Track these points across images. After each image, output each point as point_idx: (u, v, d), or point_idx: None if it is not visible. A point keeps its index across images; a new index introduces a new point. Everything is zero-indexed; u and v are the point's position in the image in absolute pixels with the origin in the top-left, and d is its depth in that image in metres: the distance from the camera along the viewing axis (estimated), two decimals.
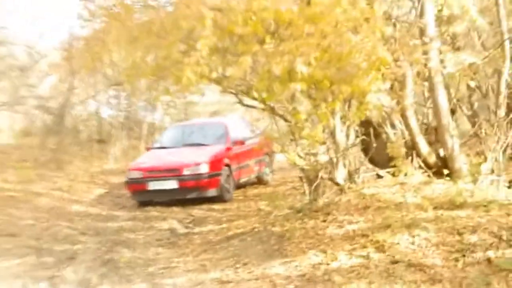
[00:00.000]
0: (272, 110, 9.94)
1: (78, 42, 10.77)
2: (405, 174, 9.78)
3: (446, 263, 7.11)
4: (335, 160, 9.59)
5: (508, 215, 7.71)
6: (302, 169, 9.62)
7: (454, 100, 10.68)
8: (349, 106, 9.38)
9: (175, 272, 8.66)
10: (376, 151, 10.28)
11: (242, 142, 14.71)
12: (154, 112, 25.21)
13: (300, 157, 9.46)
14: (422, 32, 9.59)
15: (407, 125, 10.02)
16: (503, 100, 10.27)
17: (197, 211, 12.47)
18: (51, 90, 21.34)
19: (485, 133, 10.33)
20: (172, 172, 13.39)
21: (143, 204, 13.72)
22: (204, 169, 13.19)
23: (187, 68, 7.70)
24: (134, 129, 24.71)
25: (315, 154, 9.47)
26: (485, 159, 9.94)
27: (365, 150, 10.49)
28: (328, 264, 7.70)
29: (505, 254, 6.99)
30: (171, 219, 12.03)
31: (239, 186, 14.15)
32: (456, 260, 7.11)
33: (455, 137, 9.93)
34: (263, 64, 7.96)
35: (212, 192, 13.14)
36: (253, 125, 16.42)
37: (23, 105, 20.47)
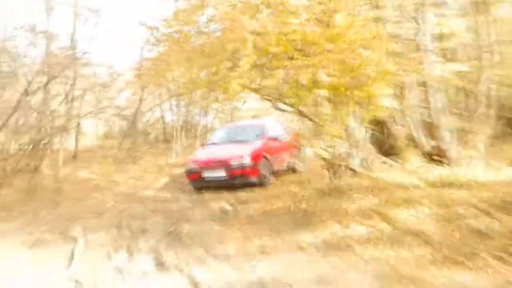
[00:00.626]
0: (300, 113, 10.03)
1: (146, 63, 10.85)
2: (407, 161, 9.84)
3: (437, 230, 7.26)
4: (350, 150, 9.66)
5: (485, 191, 7.79)
6: (324, 159, 9.64)
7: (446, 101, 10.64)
8: (360, 108, 9.45)
9: (225, 240, 8.79)
10: (383, 144, 10.34)
11: (276, 139, 14.79)
12: (206, 116, 25.44)
13: (323, 149, 9.47)
14: (420, 47, 9.65)
15: (409, 122, 10.05)
16: (484, 101, 10.29)
17: (241, 193, 12.53)
18: (126, 101, 21.56)
19: (470, 127, 10.33)
20: (222, 163, 13.45)
21: (199, 189, 13.88)
22: (247, 160, 13.23)
23: (233, 80, 7.86)
24: (191, 130, 24.93)
25: (334, 147, 9.47)
26: (471, 149, 9.97)
27: (374, 142, 10.53)
28: (345, 232, 7.87)
29: (484, 222, 7.08)
30: (221, 200, 12.13)
31: (275, 174, 14.20)
32: (448, 230, 7.23)
33: (446, 131, 9.97)
34: (292, 75, 8.05)
35: (253, 178, 13.20)
36: (286, 125, 16.55)
37: (104, 113, 20.70)
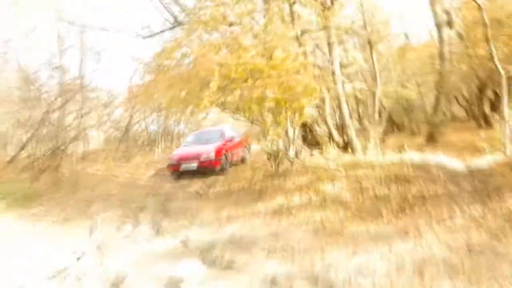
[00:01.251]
0: (251, 121, 10.14)
1: (139, 88, 10.78)
2: (326, 152, 10.04)
3: (352, 198, 7.43)
4: (287, 146, 9.80)
5: (385, 170, 8.02)
6: (269, 153, 9.72)
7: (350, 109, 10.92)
8: (294, 116, 9.59)
9: (202, 212, 8.80)
10: (310, 139, 10.54)
11: (231, 140, 14.73)
12: (179, 125, 25.21)
13: (268, 145, 9.57)
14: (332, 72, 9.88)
15: (327, 124, 10.26)
16: (376, 109, 10.65)
17: (209, 180, 12.50)
18: (119, 116, 21.19)
19: (367, 127, 10.65)
20: (194, 157, 13.35)
21: (177, 177, 13.61)
22: (212, 155, 13.17)
23: (205, 98, 7.90)
24: (168, 136, 24.66)
25: (277, 144, 9.58)
26: (368, 141, 10.28)
27: (304, 139, 10.70)
28: (288, 203, 7.97)
29: (383, 191, 7.32)
30: (195, 185, 12.08)
31: (231, 165, 14.16)
32: (358, 196, 7.45)
33: (352, 130, 10.23)
34: (247, 93, 8.14)
35: (217, 168, 13.10)
36: (237, 129, 16.61)
37: (104, 126, 20.32)
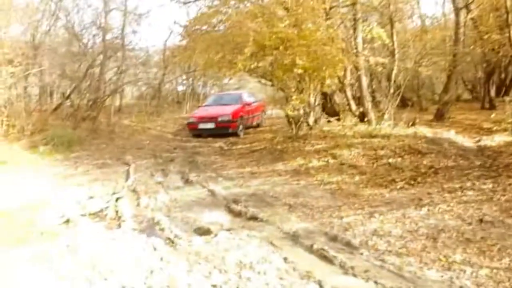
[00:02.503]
0: (276, 86, 9.92)
1: (178, 49, 10.56)
2: (344, 120, 9.83)
3: (367, 164, 7.27)
4: (308, 112, 9.59)
5: (399, 141, 7.81)
6: (292, 117, 9.50)
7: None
8: (317, 84, 9.33)
9: (226, 167, 8.73)
10: (329, 108, 10.31)
11: (249, 104, 14.40)
12: (206, 87, 24.91)
13: (291, 110, 9.35)
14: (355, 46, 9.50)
15: (346, 94, 9.99)
16: (392, 84, 10.30)
17: (231, 139, 12.40)
18: (154, 75, 20.93)
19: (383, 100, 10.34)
20: (212, 118, 13.02)
21: (194, 135, 13.43)
22: (229, 117, 12.85)
23: (239, 62, 7.66)
24: (195, 96, 24.47)
25: (298, 109, 9.36)
26: (383, 114, 10.01)
27: (323, 107, 10.45)
28: (307, 164, 7.86)
29: (397, 160, 7.10)
30: (220, 142, 12.00)
31: (247, 128, 13.89)
32: (373, 163, 7.28)
33: (369, 102, 9.95)
34: (279, 59, 7.85)
35: (233, 130, 12.82)
36: (254, 95, 16.25)
37: (139, 82, 20.13)
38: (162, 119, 17.76)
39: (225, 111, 13.14)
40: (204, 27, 9.00)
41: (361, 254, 4.13)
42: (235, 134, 12.74)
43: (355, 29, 9.48)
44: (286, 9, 8.01)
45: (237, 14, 7.96)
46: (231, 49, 8.13)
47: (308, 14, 8.03)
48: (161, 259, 4.10)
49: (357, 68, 9.11)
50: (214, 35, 8.77)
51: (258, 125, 14.95)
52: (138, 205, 6.26)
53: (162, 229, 5.11)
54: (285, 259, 4.04)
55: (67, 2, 15.20)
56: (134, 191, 7.06)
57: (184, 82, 23.30)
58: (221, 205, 6.10)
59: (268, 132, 13.25)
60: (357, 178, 6.80)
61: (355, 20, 9.50)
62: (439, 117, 11.47)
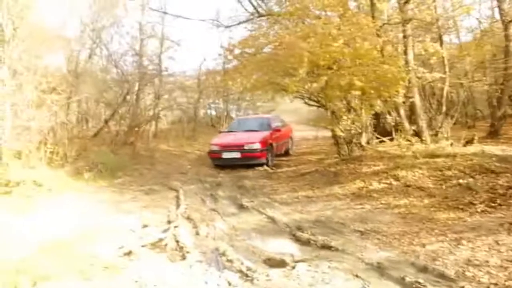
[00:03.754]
0: (324, 107, 9.66)
1: (227, 72, 10.39)
2: (396, 140, 9.44)
3: (436, 186, 6.90)
4: (361, 131, 9.27)
5: (466, 160, 7.38)
6: (344, 138, 9.18)
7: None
8: (368, 104, 9.03)
9: (278, 191, 8.45)
10: (381, 128, 9.96)
11: (279, 130, 12.90)
12: (240, 110, 24.80)
13: (341, 131, 9.03)
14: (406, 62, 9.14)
15: (398, 113, 9.62)
16: (444, 100, 9.91)
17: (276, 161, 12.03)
18: (188, 99, 20.97)
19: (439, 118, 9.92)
20: (237, 146, 11.51)
21: (217, 165, 11.95)
22: (258, 145, 11.33)
23: (292, 83, 7.45)
24: (229, 119, 24.42)
25: (350, 129, 9.05)
26: (437, 132, 9.62)
27: (374, 127, 10.09)
28: (367, 187, 7.53)
29: (468, 180, 6.68)
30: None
31: (276, 156, 12.98)
32: (441, 184, 6.90)
33: (423, 120, 9.55)
34: (335, 80, 7.57)
35: (262, 160, 11.31)
36: (280, 118, 14.73)
37: (174, 108, 20.17)
38: (199, 143, 17.63)
39: (252, 138, 11.60)
40: (252, 50, 8.81)
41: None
42: (263, 165, 11.31)
43: (406, 46, 9.13)
44: (338, 28, 7.76)
45: (290, 35, 7.74)
46: (281, 70, 7.89)
47: (360, 32, 7.73)
48: None
49: (409, 87, 8.71)
50: (262, 56, 8.58)
51: (287, 152, 13.57)
52: (197, 234, 5.98)
53: (230, 261, 4.81)
54: None
55: (106, 31, 15.38)
56: (189, 218, 6.80)
57: (218, 105, 23.29)
58: (285, 232, 5.80)
59: (308, 154, 12.93)
60: (426, 201, 6.42)
61: (405, 37, 9.17)
62: (493, 133, 10.92)
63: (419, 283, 3.85)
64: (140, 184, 10.05)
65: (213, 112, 24.49)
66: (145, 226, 6.53)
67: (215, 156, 11.90)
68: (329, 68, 7.59)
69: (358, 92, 7.44)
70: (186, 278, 4.34)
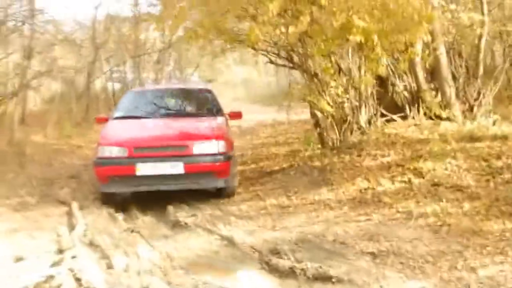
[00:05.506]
0: (301, 68, 9.67)
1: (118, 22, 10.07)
2: (413, 118, 9.59)
3: (479, 183, 7.02)
4: (358, 107, 9.35)
5: None
6: (332, 116, 9.20)
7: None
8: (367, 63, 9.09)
9: (236, 200, 8.58)
10: (388, 100, 10.08)
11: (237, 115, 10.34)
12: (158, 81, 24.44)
13: (329, 104, 9.06)
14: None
15: (416, 77, 9.76)
16: (481, 58, 10.16)
17: None
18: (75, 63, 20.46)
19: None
20: (176, 148, 8.78)
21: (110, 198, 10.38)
22: (217, 146, 8.61)
23: (256, 28, 7.36)
24: None
25: (341, 102, 9.10)
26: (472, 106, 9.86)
27: (379, 99, 10.18)
28: (373, 188, 7.61)
29: None
30: None
31: None
32: (487, 180, 7.02)
33: (452, 87, 9.75)
34: (324, 20, 7.50)
35: (222, 179, 8.60)
36: None
37: (55, 76, 19.67)
38: (96, 132, 17.19)
39: (203, 130, 9.26)
40: None
41: None
42: (222, 190, 8.79)
43: None
44: None
45: None
46: (238, 7, 7.75)
47: None
48: None
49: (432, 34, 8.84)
50: None
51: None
52: (110, 267, 5.77)
53: None
54: None
55: None
56: (92, 244, 6.62)
57: (124, 74, 22.81)
58: (253, 259, 5.79)
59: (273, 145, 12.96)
60: (467, 205, 6.56)
61: None
62: None
63: None
64: (4, 196, 9.66)
65: (117, 85, 23.94)
66: (19, 259, 6.24)
67: (115, 173, 8.48)
68: (314, 1, 7.49)
69: (358, 40, 7.35)
70: None
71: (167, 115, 10.07)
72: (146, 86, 11.72)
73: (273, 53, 10.29)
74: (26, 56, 15.54)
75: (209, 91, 10.82)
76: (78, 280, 5.33)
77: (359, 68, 9.00)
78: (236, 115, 10.02)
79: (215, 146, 8.45)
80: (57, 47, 18.60)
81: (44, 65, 17.93)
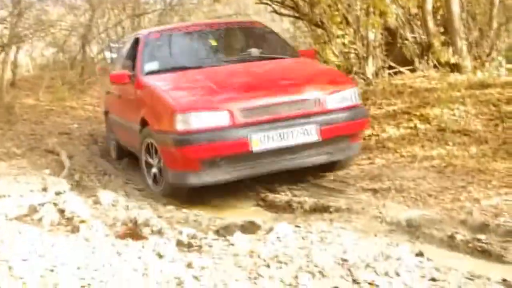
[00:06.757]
0: (307, 17, 9.67)
1: None
2: (422, 70, 9.56)
3: (487, 128, 7.06)
4: (365, 58, 9.32)
5: None
6: (338, 65, 9.16)
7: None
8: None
9: None
10: (397, 52, 10.06)
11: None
12: None
13: (335, 55, 9.04)
14: None
15: (426, 27, 9.71)
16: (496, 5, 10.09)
17: None
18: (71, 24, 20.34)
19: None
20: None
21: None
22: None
23: None
24: None
25: (347, 53, 9.08)
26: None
27: (387, 51, 10.15)
28: (378, 135, 7.67)
29: None
30: None
31: None
32: (496, 125, 7.06)
33: (462, 38, 9.71)
34: None
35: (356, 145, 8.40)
36: None
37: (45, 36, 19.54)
38: (91, 96, 17.19)
39: (315, 76, 6.88)
40: None
41: None
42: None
43: None
44: None
45: None
46: None
47: None
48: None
49: None
50: None
51: None
52: (97, 203, 5.81)
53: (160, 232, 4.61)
54: (418, 255, 3.63)
55: None
56: (80, 185, 6.82)
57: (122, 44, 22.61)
58: (247, 198, 6.04)
59: None
60: (473, 149, 6.60)
61: None
62: None
63: (480, 240, 3.92)
64: None
65: (114, 55, 23.69)
66: (1, 196, 6.26)
67: (216, 154, 5.82)
68: None
69: None
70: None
71: (235, 61, 7.42)
72: (168, 28, 8.46)
73: (277, 2, 10.23)
74: (15, 13, 15.41)
75: (263, 25, 8.58)
76: (61, 211, 5.41)
77: (367, 15, 8.92)
78: (309, 54, 7.98)
79: (352, 96, 6.31)
80: (49, 8, 18.40)
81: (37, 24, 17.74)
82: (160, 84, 6.60)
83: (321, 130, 5.80)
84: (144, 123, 6.50)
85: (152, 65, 7.04)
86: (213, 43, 7.94)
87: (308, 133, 5.77)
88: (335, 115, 5.97)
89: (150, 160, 6.41)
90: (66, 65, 20.44)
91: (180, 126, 5.71)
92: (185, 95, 6.33)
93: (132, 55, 7.56)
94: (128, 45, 8.41)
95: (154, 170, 6.36)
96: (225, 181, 5.84)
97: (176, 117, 5.74)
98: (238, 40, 8.48)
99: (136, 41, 7.73)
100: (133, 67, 7.20)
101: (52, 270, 3.45)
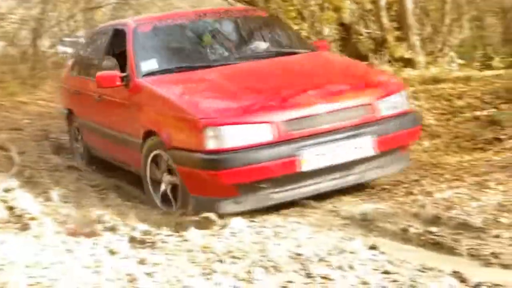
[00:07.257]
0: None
1: None
2: (376, 65, 9.65)
3: (440, 122, 7.17)
4: None
5: (486, 84, 7.72)
6: None
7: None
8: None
9: None
10: (350, 47, 10.13)
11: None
12: None
13: None
14: None
15: (380, 23, 9.81)
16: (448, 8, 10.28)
17: None
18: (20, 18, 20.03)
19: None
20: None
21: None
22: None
23: None
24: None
25: None
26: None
27: (343, 47, 10.21)
28: None
29: (491, 113, 7.02)
30: None
31: None
32: (448, 120, 7.19)
33: (414, 34, 9.84)
34: None
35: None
36: None
37: None
38: (45, 91, 16.91)
39: (353, 77, 6.15)
40: None
41: (497, 237, 3.94)
42: None
43: None
44: None
45: None
46: None
47: None
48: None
49: None
50: None
51: None
52: (48, 199, 5.73)
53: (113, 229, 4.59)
54: (372, 248, 3.72)
55: None
56: (31, 182, 6.64)
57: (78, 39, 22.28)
58: None
59: None
60: (426, 143, 6.72)
61: None
62: None
63: (432, 233, 4.02)
64: None
65: (69, 50, 23.21)
66: None
67: (260, 177, 4.88)
68: None
69: None
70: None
71: (250, 58, 6.46)
72: (159, 17, 7.50)
73: None
74: None
75: (264, 14, 7.67)
76: (10, 208, 5.32)
77: (322, 10, 8.97)
78: (323, 46, 7.26)
79: (404, 99, 5.56)
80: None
81: None
82: (170, 88, 5.66)
83: (378, 142, 5.07)
84: (148, 134, 5.54)
85: (150, 65, 6.02)
86: (219, 36, 6.84)
87: (363, 146, 5.04)
88: (390, 124, 5.23)
89: (157, 175, 5.47)
90: (16, 59, 20.17)
91: (211, 144, 4.73)
92: (210, 103, 5.28)
93: (112, 51, 6.73)
94: (103, 39, 7.31)
95: (163, 187, 5.38)
96: (264, 206, 4.90)
97: (206, 133, 4.74)
98: (246, 32, 7.16)
99: (116, 34, 6.81)
100: (122, 67, 6.11)
101: (0, 269, 3.42)
